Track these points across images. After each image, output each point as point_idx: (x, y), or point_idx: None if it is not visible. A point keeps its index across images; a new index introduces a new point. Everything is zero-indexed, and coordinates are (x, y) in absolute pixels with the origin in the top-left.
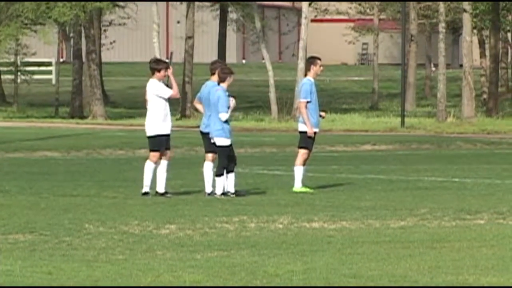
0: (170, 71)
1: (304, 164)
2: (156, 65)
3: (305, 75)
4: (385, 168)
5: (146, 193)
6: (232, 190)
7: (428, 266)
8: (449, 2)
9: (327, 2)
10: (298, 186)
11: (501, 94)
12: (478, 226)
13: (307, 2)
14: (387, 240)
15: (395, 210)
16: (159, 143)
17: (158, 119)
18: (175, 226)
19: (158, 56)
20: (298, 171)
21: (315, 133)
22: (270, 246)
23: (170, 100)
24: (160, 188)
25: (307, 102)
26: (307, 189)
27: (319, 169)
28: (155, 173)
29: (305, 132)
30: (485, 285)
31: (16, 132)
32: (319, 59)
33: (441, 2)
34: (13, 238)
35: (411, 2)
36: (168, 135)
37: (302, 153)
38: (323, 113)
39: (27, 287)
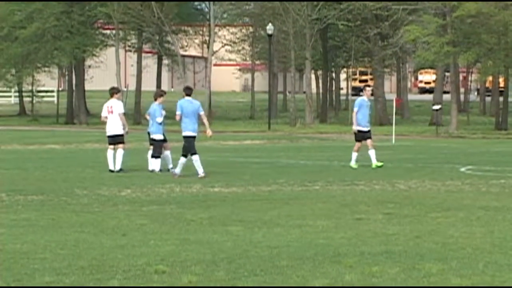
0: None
1: (357, 151)
2: (114, 90)
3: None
4: (258, 154)
5: (114, 171)
6: (157, 169)
7: (285, 214)
8: (296, 55)
9: (223, 52)
10: (353, 163)
11: (328, 110)
12: (315, 190)
13: (211, 53)
14: (260, 199)
15: (265, 180)
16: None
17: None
18: (130, 190)
19: (118, 86)
20: (354, 155)
21: (361, 131)
22: (188, 202)
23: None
24: (118, 166)
25: (356, 111)
26: (356, 165)
27: (216, 155)
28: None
29: (357, 131)
30: (319, 226)
31: (32, 133)
32: (369, 86)
33: (292, 53)
34: (30, 198)
35: (275, 53)
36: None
37: (356, 144)
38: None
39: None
